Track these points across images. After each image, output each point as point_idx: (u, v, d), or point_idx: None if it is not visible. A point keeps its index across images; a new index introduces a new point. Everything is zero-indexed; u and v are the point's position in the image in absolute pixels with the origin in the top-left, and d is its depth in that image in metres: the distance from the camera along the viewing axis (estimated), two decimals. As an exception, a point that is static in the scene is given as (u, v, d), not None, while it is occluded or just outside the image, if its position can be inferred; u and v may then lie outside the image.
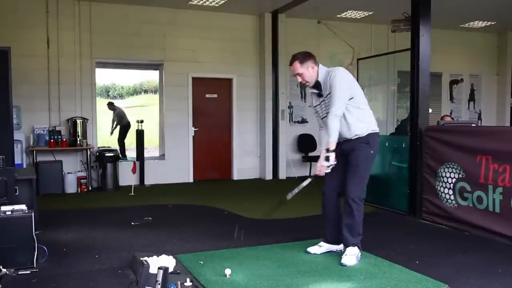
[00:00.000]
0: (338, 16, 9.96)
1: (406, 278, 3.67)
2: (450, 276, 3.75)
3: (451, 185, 5.48)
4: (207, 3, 8.80)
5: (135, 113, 15.16)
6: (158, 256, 3.74)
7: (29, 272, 3.84)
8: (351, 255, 4.03)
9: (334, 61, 9.67)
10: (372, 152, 4.14)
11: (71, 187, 8.26)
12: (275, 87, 9.82)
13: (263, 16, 9.66)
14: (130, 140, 11.26)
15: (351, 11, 9.66)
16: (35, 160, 8.11)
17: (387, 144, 6.59)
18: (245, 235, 4.70)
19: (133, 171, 8.28)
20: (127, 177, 8.55)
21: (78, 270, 4.00)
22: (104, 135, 12.14)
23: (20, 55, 7.82)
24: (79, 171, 8.50)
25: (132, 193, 7.93)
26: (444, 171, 5.59)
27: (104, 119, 12.68)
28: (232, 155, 9.91)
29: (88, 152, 8.53)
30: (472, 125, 6.63)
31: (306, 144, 10.15)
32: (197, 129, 9.58)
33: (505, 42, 11.90)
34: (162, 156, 9.67)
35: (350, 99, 4.02)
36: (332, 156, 3.96)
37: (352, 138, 4.10)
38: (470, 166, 5.21)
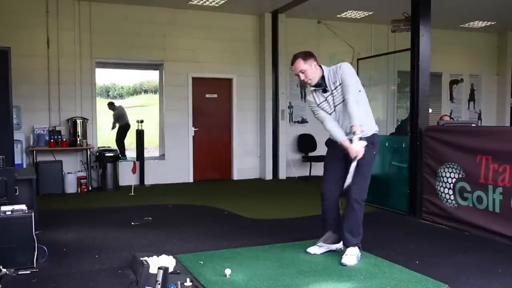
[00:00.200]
0: (338, 16, 9.96)
1: (406, 278, 3.67)
2: (450, 276, 3.75)
3: (451, 185, 5.48)
4: (207, 3, 8.80)
5: (135, 113, 15.13)
6: (158, 256, 3.73)
7: (29, 272, 3.84)
8: (352, 255, 4.03)
9: (334, 61, 9.46)
10: (375, 152, 4.16)
11: (71, 187, 8.26)
12: (275, 87, 9.82)
13: (263, 16, 9.66)
14: (130, 140, 11.26)
15: (351, 11, 9.66)
16: (35, 160, 8.11)
17: (387, 144, 6.59)
18: (245, 235, 4.69)
19: (133, 171, 8.28)
20: (127, 177, 8.55)
21: (78, 270, 4.00)
22: (104, 135, 12.12)
23: (20, 55, 7.81)
24: (79, 171, 8.50)
25: (132, 193, 7.93)
26: (444, 171, 5.59)
27: (104, 119, 12.67)
28: (232, 155, 9.90)
29: (88, 152, 8.53)
30: (472, 125, 6.63)
31: (306, 144, 10.14)
32: (197, 129, 9.58)
33: (505, 42, 11.90)
34: (162, 156, 9.67)
35: (358, 91, 4.03)
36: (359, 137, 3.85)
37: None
38: (470, 166, 5.21)
